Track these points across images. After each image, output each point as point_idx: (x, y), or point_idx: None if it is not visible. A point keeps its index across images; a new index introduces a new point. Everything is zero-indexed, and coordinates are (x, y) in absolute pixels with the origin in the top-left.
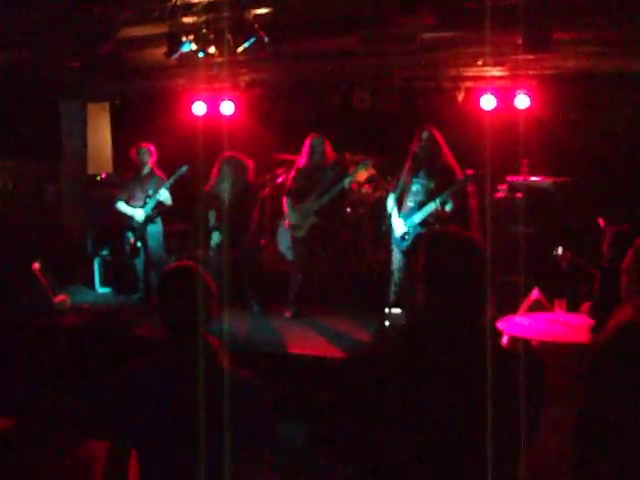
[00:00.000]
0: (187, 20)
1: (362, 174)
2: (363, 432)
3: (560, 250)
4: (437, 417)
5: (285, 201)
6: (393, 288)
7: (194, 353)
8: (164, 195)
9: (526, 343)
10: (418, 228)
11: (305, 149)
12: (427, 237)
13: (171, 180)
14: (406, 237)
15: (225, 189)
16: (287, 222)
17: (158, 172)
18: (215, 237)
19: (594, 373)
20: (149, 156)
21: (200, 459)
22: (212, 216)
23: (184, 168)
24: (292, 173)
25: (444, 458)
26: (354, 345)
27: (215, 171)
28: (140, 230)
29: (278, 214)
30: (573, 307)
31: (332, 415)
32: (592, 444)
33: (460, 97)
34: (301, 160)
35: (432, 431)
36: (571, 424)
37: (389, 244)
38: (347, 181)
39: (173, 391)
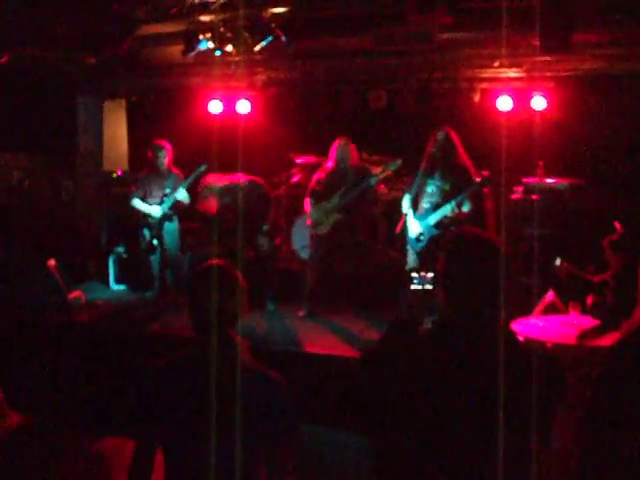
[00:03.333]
0: (204, 18)
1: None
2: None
3: (558, 261)
4: (455, 415)
5: (308, 201)
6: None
7: (221, 351)
8: (182, 194)
9: (541, 344)
10: (433, 230)
11: (332, 152)
12: (446, 238)
13: (190, 179)
14: (421, 238)
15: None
16: (308, 221)
17: (175, 170)
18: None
19: (605, 375)
20: (165, 153)
21: (225, 457)
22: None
23: (203, 167)
24: (318, 175)
25: (459, 454)
26: (367, 344)
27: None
28: (156, 227)
29: (293, 213)
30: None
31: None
32: (599, 445)
33: (476, 98)
34: (328, 163)
35: (449, 426)
36: (579, 424)
37: (404, 244)
38: (374, 179)
39: (199, 389)
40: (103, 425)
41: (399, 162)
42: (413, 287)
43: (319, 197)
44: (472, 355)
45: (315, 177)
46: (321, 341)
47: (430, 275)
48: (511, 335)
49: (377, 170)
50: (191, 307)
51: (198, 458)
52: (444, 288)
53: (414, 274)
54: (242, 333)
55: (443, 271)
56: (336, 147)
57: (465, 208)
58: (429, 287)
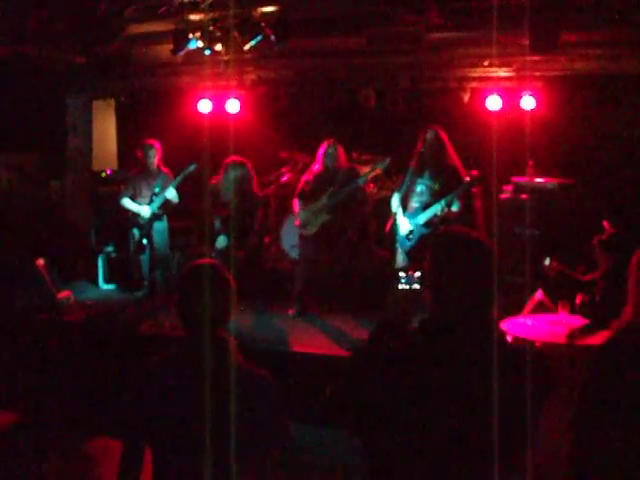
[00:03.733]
0: (194, 17)
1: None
2: (372, 413)
3: (547, 261)
4: (442, 415)
5: (296, 203)
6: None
7: (211, 350)
8: (171, 193)
9: (530, 344)
10: (422, 229)
11: (319, 155)
12: (433, 237)
13: (179, 178)
14: (410, 237)
15: (228, 194)
16: (297, 222)
17: (164, 169)
18: (221, 241)
19: (594, 373)
20: (154, 153)
21: (214, 458)
22: (217, 221)
23: (192, 166)
24: (306, 177)
25: (447, 454)
26: (357, 344)
27: (219, 176)
28: (146, 227)
29: (282, 212)
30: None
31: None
32: (590, 444)
33: (466, 97)
34: (315, 165)
35: (437, 426)
36: (569, 424)
37: (393, 243)
38: (362, 179)
39: (188, 388)
40: (93, 425)
41: (387, 161)
42: (401, 286)
43: (307, 199)
44: (459, 354)
45: (303, 179)
46: (311, 340)
47: (418, 274)
48: (499, 334)
49: (365, 170)
50: (181, 306)
51: (186, 458)
52: (430, 287)
53: (401, 273)
54: (231, 332)
55: (429, 270)
56: (324, 150)
57: (454, 208)
58: (417, 286)
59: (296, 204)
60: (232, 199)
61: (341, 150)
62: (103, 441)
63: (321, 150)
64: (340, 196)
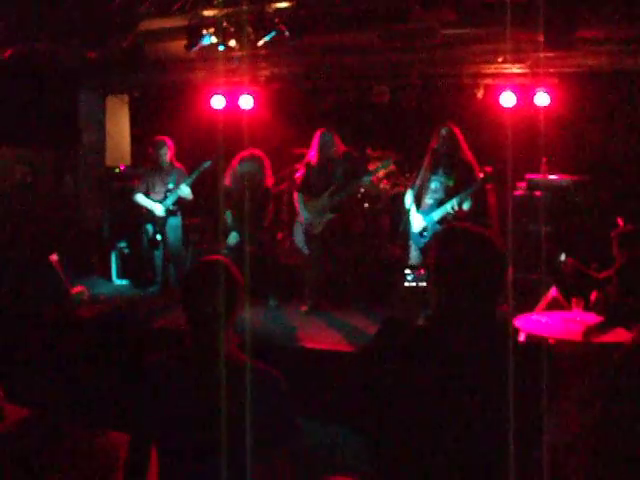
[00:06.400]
0: (208, 13)
1: (382, 172)
2: (376, 411)
3: (563, 257)
4: (449, 411)
5: (296, 197)
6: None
7: (216, 347)
8: (185, 191)
9: (544, 341)
10: (436, 226)
11: (314, 144)
12: (437, 234)
13: (193, 175)
14: (424, 234)
15: (240, 187)
16: (301, 218)
17: (177, 164)
18: (232, 237)
19: (624, 371)
20: (166, 150)
21: (221, 457)
22: (229, 217)
23: (207, 163)
24: (303, 170)
25: (455, 449)
26: (369, 340)
27: (232, 168)
28: (159, 223)
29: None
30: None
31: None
32: (617, 442)
33: (480, 94)
34: (311, 155)
35: (444, 422)
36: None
37: (406, 240)
38: (366, 179)
39: (194, 385)
40: (104, 420)
41: (390, 162)
42: (407, 284)
43: (308, 193)
44: (464, 350)
45: (301, 171)
46: (323, 336)
47: (424, 272)
48: (511, 331)
49: (372, 168)
50: (187, 302)
51: (193, 455)
52: (434, 283)
53: (407, 271)
54: (243, 329)
55: (433, 266)
56: (318, 139)
57: (466, 206)
58: (423, 284)
59: (297, 199)
60: (245, 192)
61: (337, 138)
62: (114, 436)
63: (315, 139)
64: (341, 195)
